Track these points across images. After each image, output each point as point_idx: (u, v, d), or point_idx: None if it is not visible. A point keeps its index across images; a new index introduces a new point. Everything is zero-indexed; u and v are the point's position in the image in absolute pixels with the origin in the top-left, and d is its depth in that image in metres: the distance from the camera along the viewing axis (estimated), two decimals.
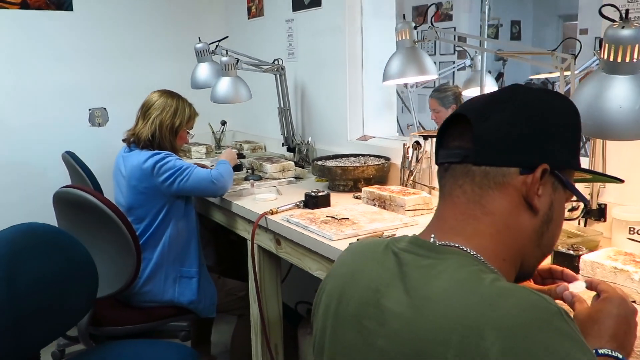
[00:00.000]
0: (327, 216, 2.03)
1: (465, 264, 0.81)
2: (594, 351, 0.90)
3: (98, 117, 3.62)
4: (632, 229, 1.61)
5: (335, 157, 2.72)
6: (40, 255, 1.87)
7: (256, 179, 2.70)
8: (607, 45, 1.13)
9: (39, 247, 1.88)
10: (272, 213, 2.12)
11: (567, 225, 1.76)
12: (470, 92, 2.89)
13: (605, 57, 1.14)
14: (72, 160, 3.12)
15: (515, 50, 2.05)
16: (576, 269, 1.40)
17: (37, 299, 1.83)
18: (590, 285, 1.02)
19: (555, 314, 0.73)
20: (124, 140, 2.54)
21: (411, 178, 2.38)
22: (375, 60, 2.86)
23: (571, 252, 1.46)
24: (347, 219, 1.99)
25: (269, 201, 2.34)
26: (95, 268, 2.08)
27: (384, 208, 2.14)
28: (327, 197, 2.22)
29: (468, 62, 3.05)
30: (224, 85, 2.69)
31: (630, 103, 1.11)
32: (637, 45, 1.10)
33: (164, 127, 2.45)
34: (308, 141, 3.15)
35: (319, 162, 2.57)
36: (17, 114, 3.42)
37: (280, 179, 2.71)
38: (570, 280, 1.07)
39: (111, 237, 2.29)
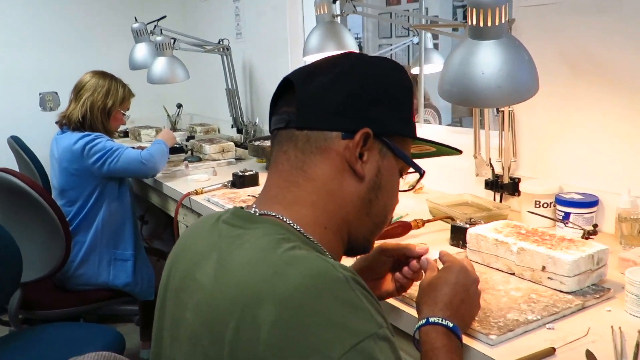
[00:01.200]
0: (248, 195, 2.00)
1: (270, 233, 0.78)
2: (424, 320, 0.89)
3: (49, 102, 3.57)
4: (537, 202, 1.59)
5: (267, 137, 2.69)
6: None
7: (194, 160, 2.67)
8: (470, 9, 1.09)
9: None
10: (196, 193, 2.10)
11: (479, 200, 1.74)
12: (416, 70, 2.86)
13: (470, 22, 1.11)
14: (16, 145, 3.09)
15: (439, 24, 2.02)
16: None
17: None
18: (440, 257, 1.01)
19: (340, 281, 0.70)
20: (56, 123, 2.50)
21: None
22: None
23: (467, 225, 1.43)
24: None
25: (201, 182, 2.31)
26: (19, 251, 2.05)
27: None
28: (255, 176, 2.20)
29: (415, 39, 3.00)
30: (160, 65, 2.65)
31: (493, 69, 1.08)
32: (498, 9, 1.07)
33: (95, 109, 2.41)
34: (255, 122, 3.11)
35: (255, 143, 2.54)
36: None
37: (219, 160, 2.68)
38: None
39: (39, 220, 2.26)
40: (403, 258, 1.04)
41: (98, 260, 2.42)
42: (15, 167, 3.18)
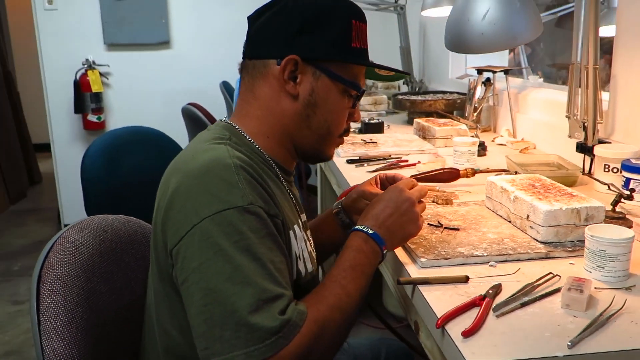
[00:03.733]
0: (361, 140, 2.20)
1: (216, 132, 1.02)
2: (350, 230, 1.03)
3: None
4: (607, 166, 1.51)
5: (429, 92, 2.80)
6: (137, 149, 2.42)
7: None
8: None
9: (138, 143, 2.44)
10: None
11: (562, 161, 1.69)
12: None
13: None
14: (224, 90, 3.71)
15: None
16: None
17: (134, 180, 2.39)
18: None
19: (227, 166, 0.90)
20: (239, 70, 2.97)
21: (474, 114, 2.38)
22: None
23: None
24: (375, 143, 2.15)
25: None
26: None
27: (424, 138, 2.22)
28: (379, 125, 2.38)
29: None
30: None
31: (477, 15, 1.12)
32: None
33: None
34: (422, 79, 3.23)
35: (399, 97, 2.70)
36: (195, 51, 4.09)
37: (371, 111, 2.90)
38: None
39: None
40: None
41: None
42: (224, 108, 3.82)
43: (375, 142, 2.16)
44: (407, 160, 1.89)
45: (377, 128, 2.37)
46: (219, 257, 0.85)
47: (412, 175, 1.58)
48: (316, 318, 0.88)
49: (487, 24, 1.11)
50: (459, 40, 1.15)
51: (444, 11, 2.05)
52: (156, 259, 0.97)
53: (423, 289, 1.00)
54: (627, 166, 1.42)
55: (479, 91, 2.40)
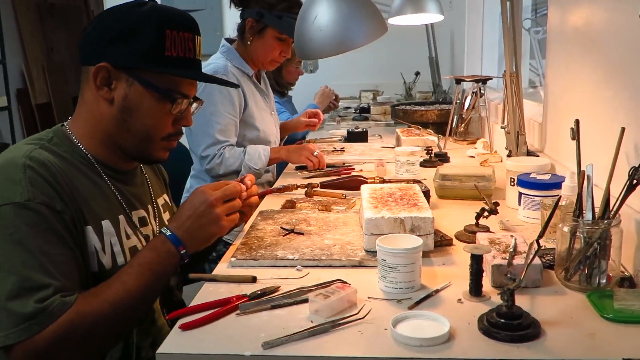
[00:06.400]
0: (333, 147, 2.22)
1: (41, 134, 1.12)
2: None
3: (310, 64, 4.22)
4: (512, 180, 1.43)
5: (434, 102, 2.74)
6: None
7: (360, 119, 2.94)
8: None
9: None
10: (308, 142, 2.41)
11: (493, 174, 1.62)
12: None
13: None
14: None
15: None
16: None
17: None
18: None
19: (16, 164, 0.98)
20: None
21: (462, 125, 2.31)
22: None
23: None
24: (342, 151, 2.16)
25: (335, 135, 2.59)
26: None
27: (399, 145, 2.20)
28: (364, 134, 2.38)
29: None
30: None
31: (308, 22, 1.13)
32: None
33: None
34: (446, 90, 3.16)
35: (398, 107, 2.66)
36: None
37: (380, 120, 2.89)
38: None
39: None
40: None
41: None
42: None
43: (343, 151, 2.17)
44: (353, 169, 1.89)
45: (361, 137, 2.37)
46: None
47: (321, 182, 1.59)
48: (80, 310, 0.93)
49: (316, 29, 1.11)
50: (299, 46, 1.15)
51: (409, 19, 2.02)
52: None
53: (206, 285, 1.03)
54: (520, 180, 1.34)
55: (469, 101, 2.32)
